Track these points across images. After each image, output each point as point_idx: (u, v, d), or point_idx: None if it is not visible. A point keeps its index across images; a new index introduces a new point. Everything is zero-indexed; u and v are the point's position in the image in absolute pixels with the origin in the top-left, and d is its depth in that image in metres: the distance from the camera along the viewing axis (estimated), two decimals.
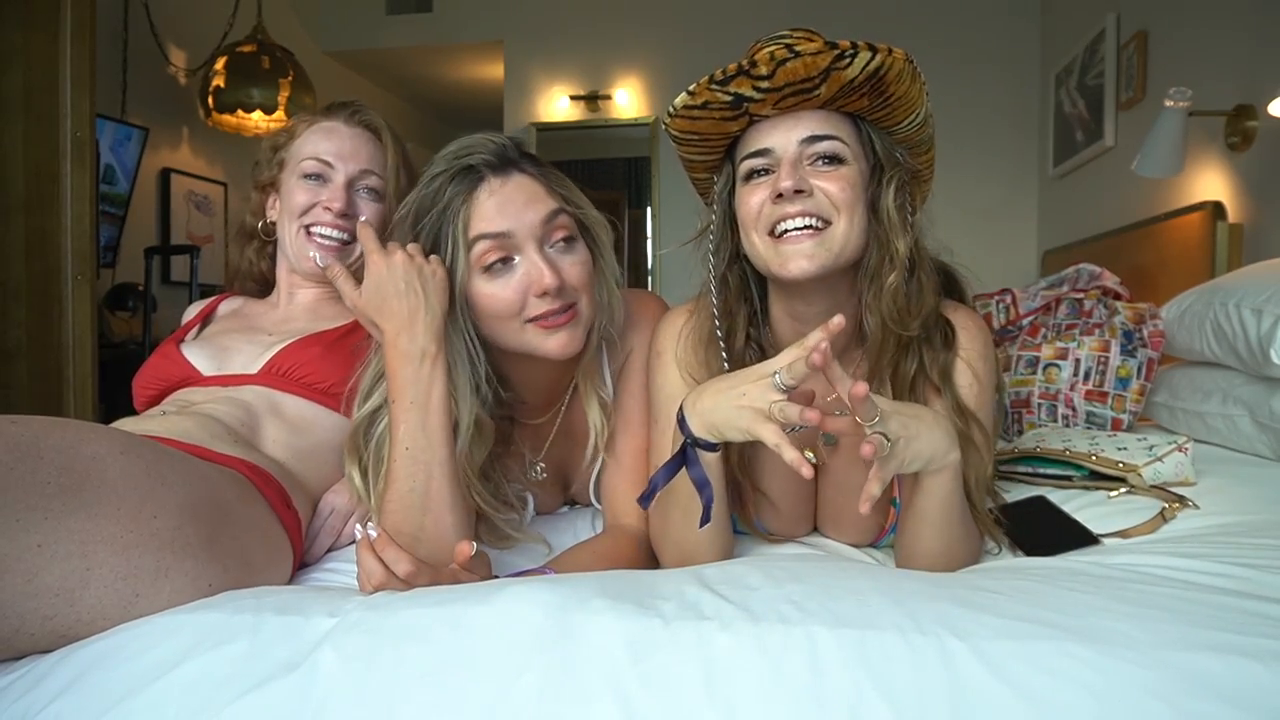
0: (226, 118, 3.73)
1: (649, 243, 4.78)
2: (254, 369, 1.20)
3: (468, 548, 0.81)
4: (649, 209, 4.76)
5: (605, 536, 1.08)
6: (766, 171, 0.99)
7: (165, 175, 3.92)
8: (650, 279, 4.77)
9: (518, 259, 0.99)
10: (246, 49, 3.71)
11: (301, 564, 1.08)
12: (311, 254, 1.24)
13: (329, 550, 1.13)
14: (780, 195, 0.95)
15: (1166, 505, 1.07)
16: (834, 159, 0.97)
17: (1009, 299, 1.99)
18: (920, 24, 4.28)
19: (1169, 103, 2.17)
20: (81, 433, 0.81)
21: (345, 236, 1.28)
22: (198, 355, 1.24)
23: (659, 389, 1.08)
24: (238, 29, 3.87)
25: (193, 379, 1.20)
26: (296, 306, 1.34)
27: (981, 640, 0.61)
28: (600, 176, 5.09)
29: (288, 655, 0.65)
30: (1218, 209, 2.27)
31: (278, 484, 1.06)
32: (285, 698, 0.62)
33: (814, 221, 0.95)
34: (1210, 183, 2.44)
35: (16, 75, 2.58)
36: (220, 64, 3.67)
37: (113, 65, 3.55)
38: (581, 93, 4.74)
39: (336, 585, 0.99)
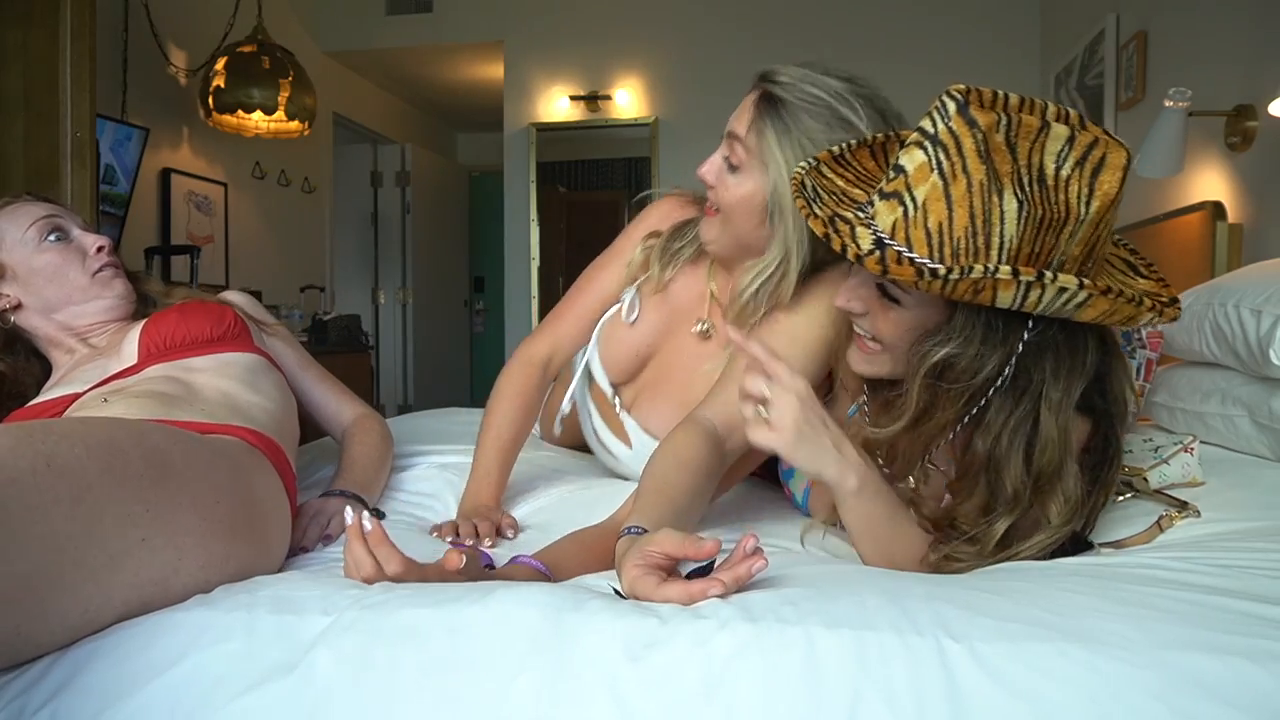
0: (227, 118, 3.73)
1: None
2: (131, 363, 1.18)
3: (456, 560, 0.80)
4: None
5: (599, 529, 1.08)
6: None
7: (165, 175, 3.92)
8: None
9: None
10: (246, 49, 3.71)
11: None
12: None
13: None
14: None
15: (1164, 514, 1.05)
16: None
17: None
18: (920, 24, 4.29)
19: (1169, 103, 2.17)
20: (140, 427, 0.83)
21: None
22: (60, 390, 1.18)
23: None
24: (238, 29, 3.87)
25: (71, 397, 1.14)
26: (105, 342, 1.27)
27: (978, 641, 0.61)
28: (600, 176, 5.10)
29: (283, 655, 0.65)
30: (1217, 209, 2.27)
31: (272, 441, 1.08)
32: (281, 699, 0.62)
33: None
34: (1210, 183, 2.44)
35: (16, 75, 2.58)
36: (220, 64, 3.67)
37: (113, 65, 3.55)
38: (581, 93, 4.74)
39: (329, 563, 0.99)
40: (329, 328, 4.41)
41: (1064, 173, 0.80)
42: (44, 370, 1.29)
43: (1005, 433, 0.86)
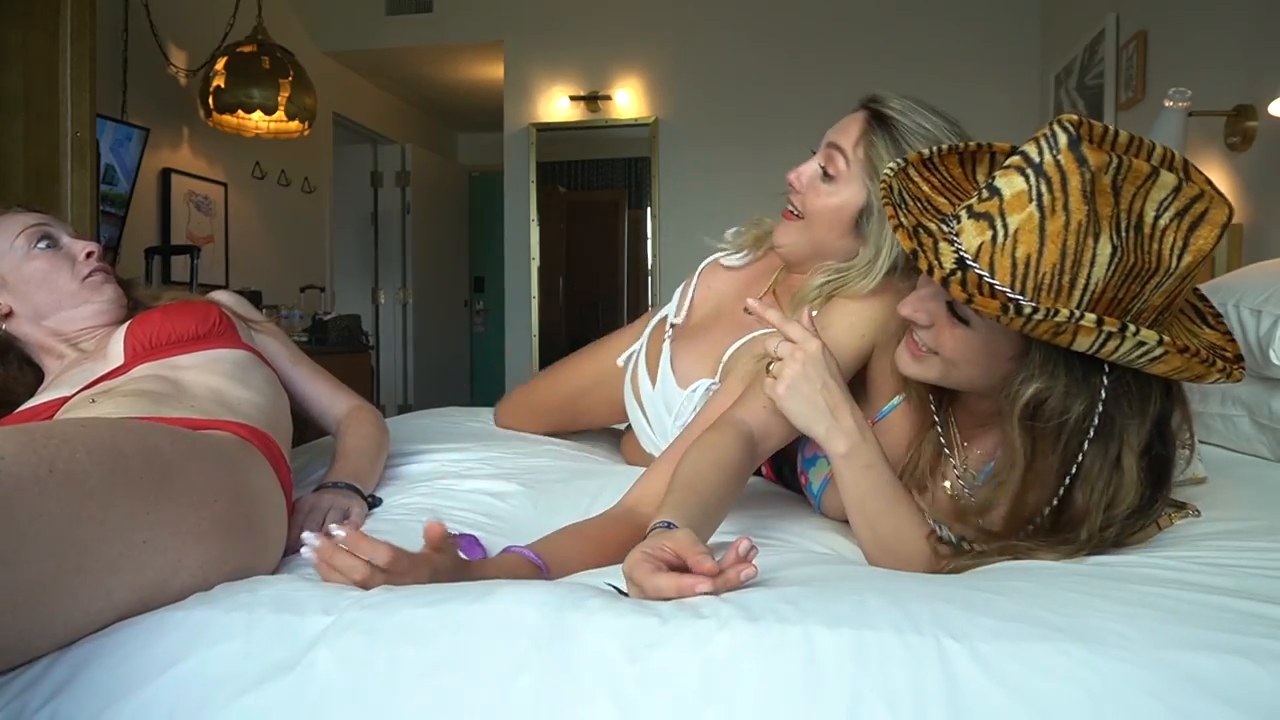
0: (227, 118, 3.73)
1: (649, 243, 4.78)
2: (118, 364, 1.18)
3: (439, 527, 0.80)
4: (649, 209, 4.76)
5: (600, 519, 1.08)
6: None
7: (165, 175, 3.92)
8: (650, 279, 4.78)
9: None
10: (246, 49, 3.71)
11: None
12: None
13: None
14: None
15: (1163, 515, 1.04)
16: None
17: None
18: (920, 25, 4.29)
19: (1169, 103, 2.17)
20: (139, 427, 0.84)
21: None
22: (50, 394, 1.17)
23: None
24: (238, 29, 3.88)
25: (60, 401, 1.13)
26: (94, 346, 1.28)
27: (978, 640, 0.61)
28: (600, 176, 5.10)
29: (283, 655, 0.65)
30: None
31: (265, 434, 1.08)
32: (281, 699, 0.62)
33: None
34: None
35: (16, 75, 2.58)
36: (220, 64, 3.68)
37: (113, 65, 3.55)
38: (581, 93, 4.74)
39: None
40: (329, 328, 4.41)
41: (1162, 222, 0.78)
42: (36, 378, 1.30)
43: (1100, 479, 0.85)
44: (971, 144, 0.98)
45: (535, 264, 4.89)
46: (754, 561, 0.74)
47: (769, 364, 0.95)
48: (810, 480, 1.20)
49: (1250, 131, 2.23)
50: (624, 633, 0.64)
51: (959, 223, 0.85)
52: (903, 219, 0.86)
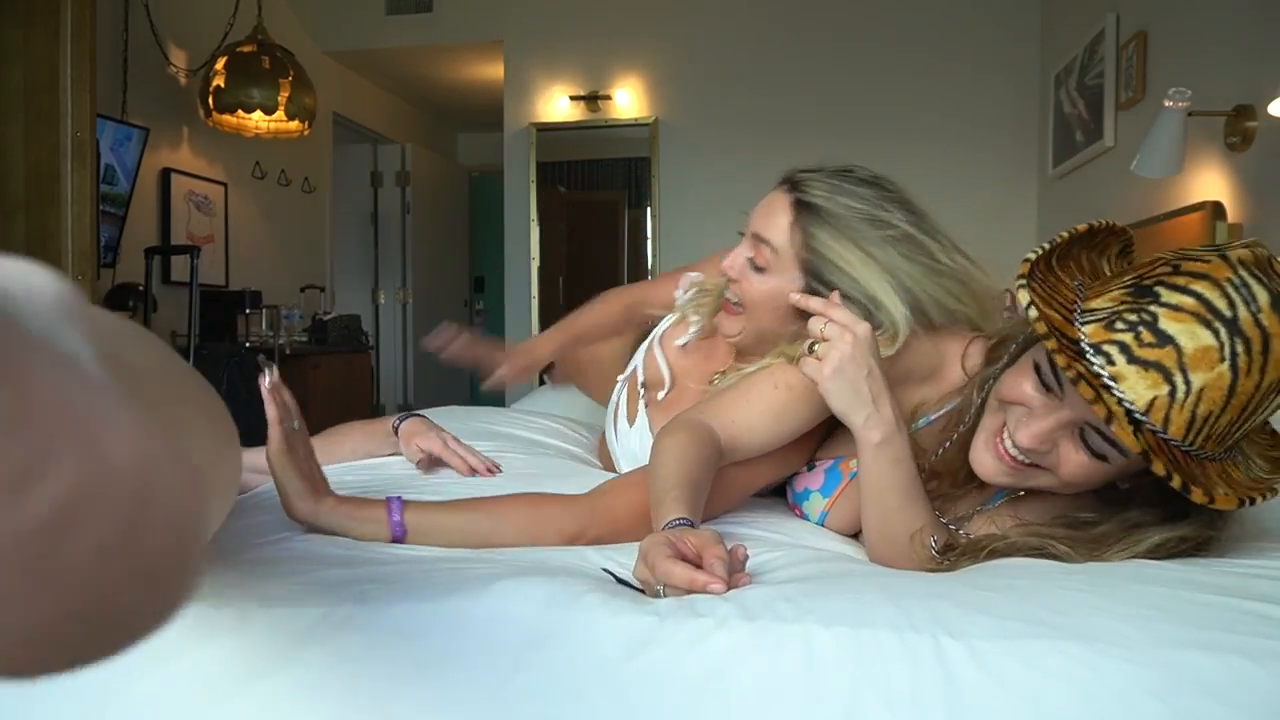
0: (227, 118, 3.73)
1: (649, 243, 4.78)
2: None
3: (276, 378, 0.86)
4: (649, 209, 4.76)
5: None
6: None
7: (165, 175, 3.92)
8: (650, 278, 4.77)
9: None
10: (246, 49, 3.71)
11: None
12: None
13: None
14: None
15: None
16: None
17: (1009, 299, 1.99)
18: (920, 25, 4.28)
19: (1169, 103, 2.17)
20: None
21: None
22: None
23: None
24: (238, 29, 3.88)
25: None
26: None
27: (976, 639, 0.60)
28: (600, 176, 5.09)
29: (276, 652, 0.64)
30: (1217, 209, 2.27)
31: None
32: (274, 696, 0.62)
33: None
34: (1210, 183, 2.43)
35: (16, 75, 2.59)
36: (220, 64, 3.68)
37: (113, 65, 3.55)
38: (581, 93, 4.74)
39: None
40: (329, 328, 4.41)
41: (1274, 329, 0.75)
42: None
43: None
44: (1051, 243, 0.92)
45: (535, 264, 4.89)
46: (747, 564, 0.78)
47: (811, 344, 0.93)
48: (806, 515, 1.18)
49: (1250, 131, 2.23)
50: (621, 630, 0.63)
51: (1112, 364, 0.76)
52: (1106, 374, 0.76)
